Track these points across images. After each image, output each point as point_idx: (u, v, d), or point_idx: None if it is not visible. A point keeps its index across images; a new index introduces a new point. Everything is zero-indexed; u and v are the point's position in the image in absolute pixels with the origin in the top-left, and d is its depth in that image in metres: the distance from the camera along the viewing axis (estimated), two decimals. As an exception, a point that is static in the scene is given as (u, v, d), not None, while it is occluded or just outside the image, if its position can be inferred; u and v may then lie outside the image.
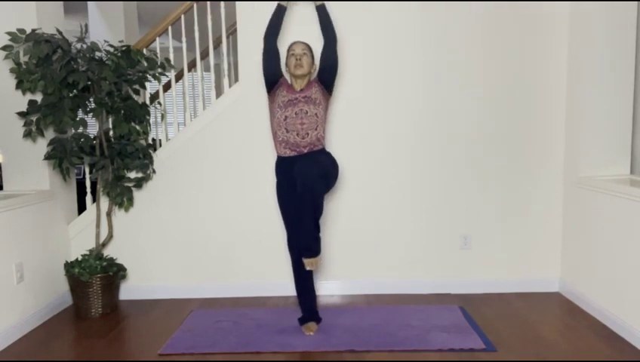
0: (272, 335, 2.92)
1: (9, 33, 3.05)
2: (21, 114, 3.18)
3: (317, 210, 2.83)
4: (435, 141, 3.52)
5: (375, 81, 3.50)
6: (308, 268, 2.83)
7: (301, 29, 3.38)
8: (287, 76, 3.10)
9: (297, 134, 2.89)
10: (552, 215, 3.55)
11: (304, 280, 3.01)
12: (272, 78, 3.02)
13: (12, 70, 3.12)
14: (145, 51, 3.53)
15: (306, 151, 2.92)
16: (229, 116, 3.53)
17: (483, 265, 3.59)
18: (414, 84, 3.49)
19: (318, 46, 3.10)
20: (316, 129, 2.92)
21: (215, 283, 3.63)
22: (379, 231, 3.58)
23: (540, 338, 2.84)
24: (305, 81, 2.99)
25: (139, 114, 3.40)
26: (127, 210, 3.56)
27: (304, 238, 2.78)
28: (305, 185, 2.71)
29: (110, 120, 3.47)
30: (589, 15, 3.18)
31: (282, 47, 3.20)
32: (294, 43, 3.00)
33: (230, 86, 3.70)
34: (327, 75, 3.00)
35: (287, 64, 3.00)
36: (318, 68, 3.04)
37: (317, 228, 2.85)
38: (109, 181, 3.38)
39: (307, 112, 2.90)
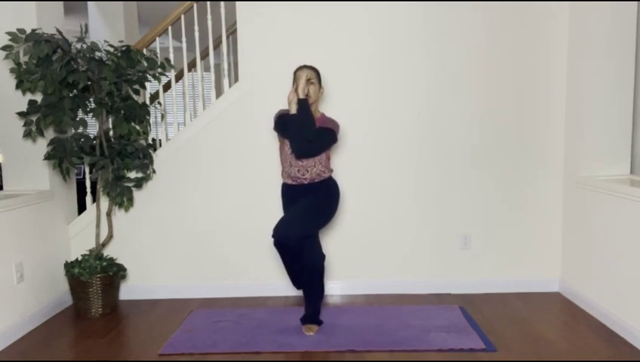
0: (272, 335, 2.92)
1: (9, 33, 3.05)
2: (21, 114, 3.18)
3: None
4: (435, 141, 3.52)
5: (376, 83, 3.50)
6: None
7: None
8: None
9: (298, 171, 2.93)
10: (552, 215, 3.55)
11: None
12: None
13: (12, 70, 3.12)
14: (145, 51, 3.53)
15: (306, 183, 2.96)
16: (229, 116, 3.53)
17: (483, 265, 3.59)
18: (414, 85, 3.49)
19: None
20: (315, 166, 2.93)
21: (215, 283, 3.62)
22: (379, 231, 3.58)
23: (540, 338, 2.84)
24: (312, 108, 2.91)
25: (139, 114, 3.40)
26: (127, 210, 3.56)
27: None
28: (282, 235, 2.83)
29: (110, 120, 3.47)
30: (589, 15, 3.18)
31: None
32: (300, 69, 2.89)
33: (230, 86, 3.70)
34: None
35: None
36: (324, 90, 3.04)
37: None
38: (109, 181, 3.38)
39: None
